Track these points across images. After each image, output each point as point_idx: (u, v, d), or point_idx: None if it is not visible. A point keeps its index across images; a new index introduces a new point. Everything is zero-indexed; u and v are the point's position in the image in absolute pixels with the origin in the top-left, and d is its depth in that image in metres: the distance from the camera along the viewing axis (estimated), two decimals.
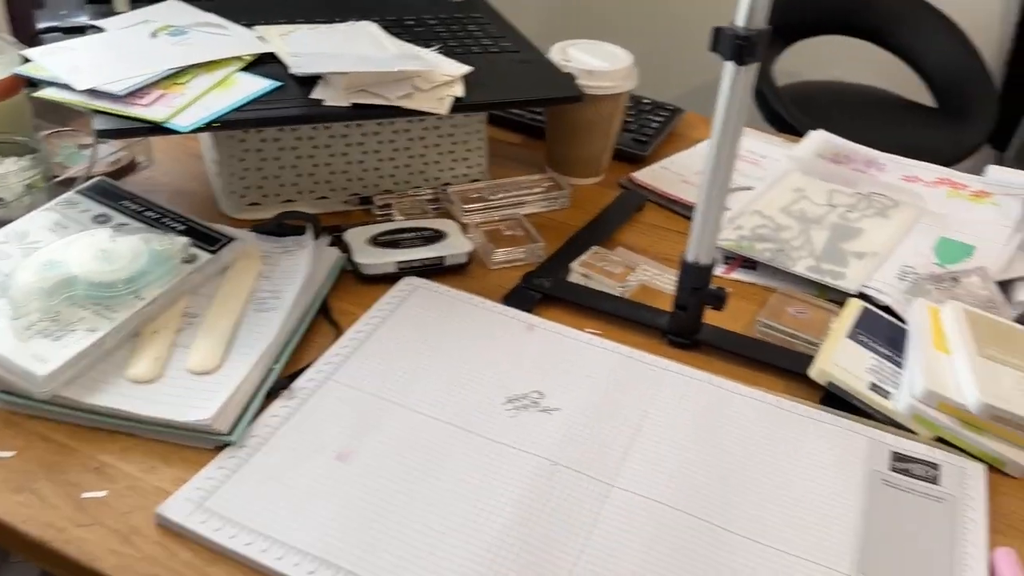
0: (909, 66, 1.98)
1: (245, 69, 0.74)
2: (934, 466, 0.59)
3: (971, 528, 0.55)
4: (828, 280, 0.74)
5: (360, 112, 0.71)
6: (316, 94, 0.71)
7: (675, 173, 0.92)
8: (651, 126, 0.98)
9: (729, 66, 0.56)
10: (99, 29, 0.78)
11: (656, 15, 2.33)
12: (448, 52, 0.81)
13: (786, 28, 1.92)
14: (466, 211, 0.80)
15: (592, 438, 0.58)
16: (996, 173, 0.96)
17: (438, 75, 0.74)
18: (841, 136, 1.00)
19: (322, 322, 0.68)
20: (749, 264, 0.79)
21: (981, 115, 1.76)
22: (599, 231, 0.81)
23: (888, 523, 0.55)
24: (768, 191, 0.87)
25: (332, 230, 0.75)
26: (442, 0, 0.93)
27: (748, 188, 0.89)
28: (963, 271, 0.74)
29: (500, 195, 0.82)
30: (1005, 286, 0.77)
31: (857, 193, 0.87)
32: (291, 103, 0.70)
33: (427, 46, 0.80)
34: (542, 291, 0.72)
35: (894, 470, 0.58)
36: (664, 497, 0.55)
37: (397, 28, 0.85)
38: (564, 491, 0.54)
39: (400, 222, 0.76)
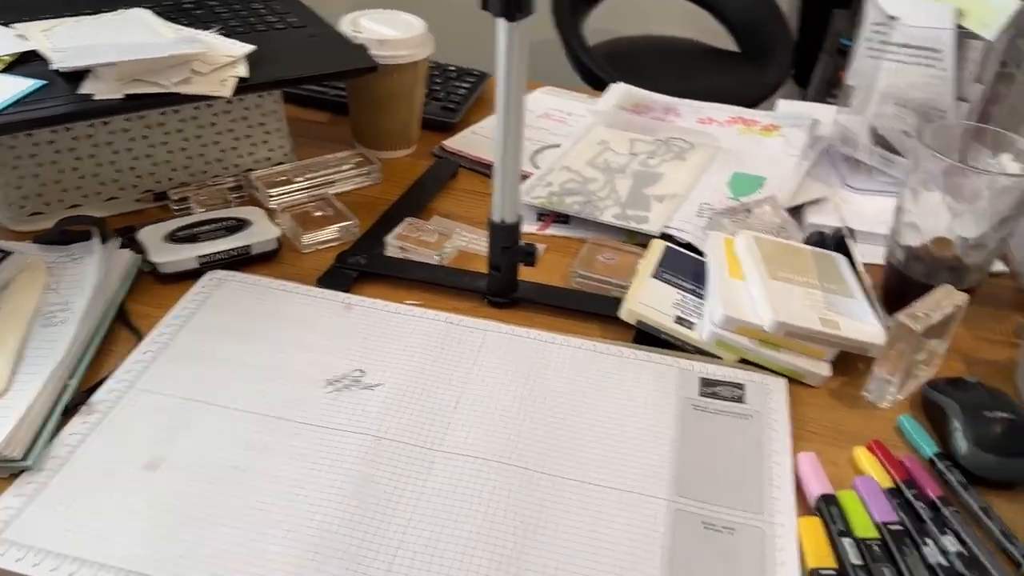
0: (712, 15, 2.07)
1: (5, 70, 0.69)
2: (739, 386, 0.62)
3: (776, 439, 0.58)
4: (633, 225, 0.77)
5: (135, 103, 0.67)
6: (85, 89, 0.66)
7: (485, 137, 0.92)
8: (459, 93, 0.98)
9: (501, 23, 0.57)
10: None
11: None
12: (230, 33, 0.77)
13: None
14: (271, 196, 0.77)
15: (416, 408, 0.58)
16: (785, 107, 1.02)
17: (218, 57, 0.71)
18: (654, 86, 1.03)
19: (122, 330, 0.64)
20: (562, 219, 0.81)
21: (779, 56, 1.86)
22: (413, 202, 0.81)
23: (701, 445, 0.57)
24: (574, 146, 0.89)
25: (126, 231, 0.71)
26: None
27: (556, 145, 0.91)
28: (755, 202, 0.78)
29: (307, 176, 0.80)
30: (797, 211, 0.82)
31: (656, 140, 0.91)
32: (58, 101, 0.65)
33: (206, 28, 0.76)
34: (358, 269, 0.71)
35: (703, 395, 0.61)
36: (489, 454, 0.55)
37: (174, 13, 0.80)
38: (390, 464, 0.54)
39: (200, 215, 0.73)
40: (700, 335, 0.65)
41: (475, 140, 0.92)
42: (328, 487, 0.52)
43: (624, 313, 0.66)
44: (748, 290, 0.66)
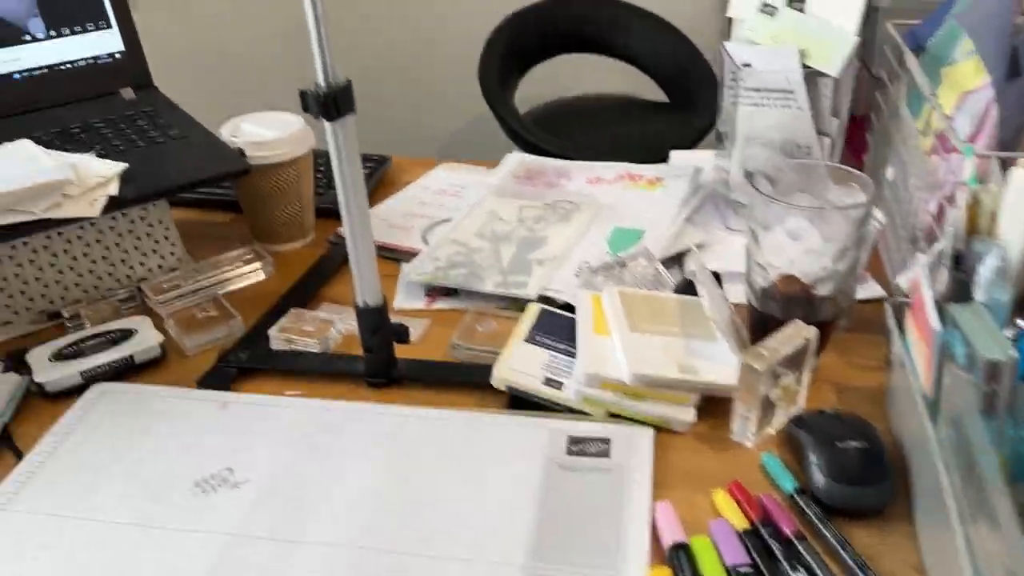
0: (638, 68, 2.13)
1: None
2: (606, 441, 0.63)
3: (636, 489, 0.59)
4: (512, 291, 0.79)
5: (8, 233, 0.70)
6: None
7: (383, 219, 0.95)
8: None
9: (326, 124, 0.60)
10: None
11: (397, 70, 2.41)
12: (109, 152, 0.81)
13: (517, 56, 2.02)
14: (160, 303, 0.80)
15: (281, 501, 0.59)
16: (676, 157, 1.05)
17: (90, 179, 0.74)
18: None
19: (6, 454, 0.66)
20: (451, 291, 0.83)
21: (704, 102, 1.91)
22: (302, 293, 0.83)
23: (561, 505, 0.58)
24: (464, 219, 0.91)
25: (20, 353, 0.73)
26: (115, 101, 0.93)
27: (447, 220, 0.93)
28: (630, 256, 0.80)
29: (196, 278, 0.83)
30: (679, 259, 0.84)
31: (545, 204, 0.93)
32: None
33: (87, 152, 0.80)
34: (239, 366, 0.73)
35: (570, 453, 0.62)
36: (353, 540, 0.56)
37: (60, 140, 0.84)
38: (249, 563, 0.55)
39: (87, 330, 0.75)
40: (568, 394, 0.66)
41: (372, 224, 0.94)
42: None
43: (495, 380, 0.68)
44: (612, 345, 0.68)
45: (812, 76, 0.82)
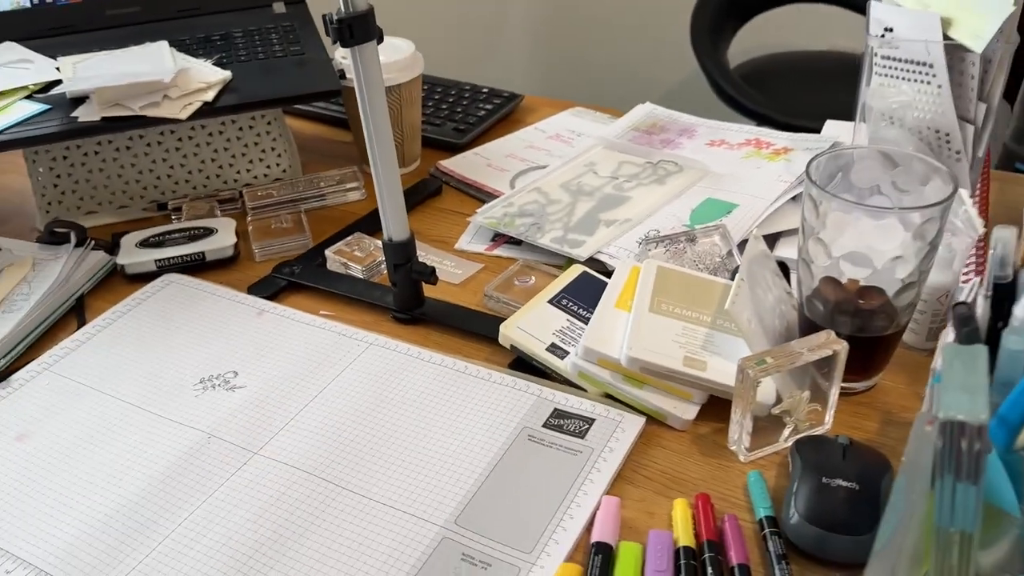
0: None
1: (30, 97, 0.82)
2: (589, 420, 0.59)
3: (594, 478, 0.55)
4: (566, 249, 0.75)
5: (110, 124, 0.77)
6: (76, 112, 0.78)
7: (484, 158, 0.94)
8: (477, 115, 1.00)
9: (344, 49, 0.59)
10: None
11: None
12: (232, 61, 0.86)
13: (742, 3, 1.88)
14: (252, 208, 0.85)
15: (260, 412, 0.62)
16: (830, 128, 0.94)
17: (193, 83, 0.80)
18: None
19: (75, 322, 0.74)
20: (515, 240, 0.80)
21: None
22: (378, 219, 0.84)
23: (511, 476, 0.56)
24: (558, 169, 0.88)
25: (120, 236, 0.82)
26: (266, 13, 0.98)
27: (542, 167, 0.90)
28: (704, 231, 0.73)
29: (293, 191, 0.87)
30: (773, 240, 0.76)
31: (645, 162, 0.87)
32: (49, 123, 0.77)
33: (211, 58, 0.86)
34: (289, 279, 0.76)
35: (546, 426, 0.59)
36: (301, 463, 0.58)
37: (197, 45, 0.91)
38: (207, 460, 0.58)
39: (176, 224, 0.82)
40: (566, 364, 0.63)
41: (473, 161, 0.93)
42: (147, 472, 0.58)
43: (501, 336, 0.66)
44: (626, 322, 0.63)
45: (956, 50, 0.68)
